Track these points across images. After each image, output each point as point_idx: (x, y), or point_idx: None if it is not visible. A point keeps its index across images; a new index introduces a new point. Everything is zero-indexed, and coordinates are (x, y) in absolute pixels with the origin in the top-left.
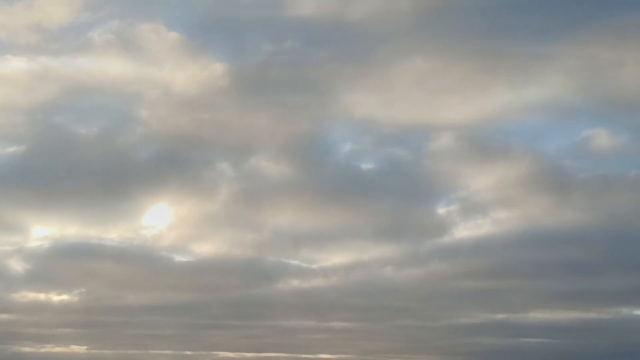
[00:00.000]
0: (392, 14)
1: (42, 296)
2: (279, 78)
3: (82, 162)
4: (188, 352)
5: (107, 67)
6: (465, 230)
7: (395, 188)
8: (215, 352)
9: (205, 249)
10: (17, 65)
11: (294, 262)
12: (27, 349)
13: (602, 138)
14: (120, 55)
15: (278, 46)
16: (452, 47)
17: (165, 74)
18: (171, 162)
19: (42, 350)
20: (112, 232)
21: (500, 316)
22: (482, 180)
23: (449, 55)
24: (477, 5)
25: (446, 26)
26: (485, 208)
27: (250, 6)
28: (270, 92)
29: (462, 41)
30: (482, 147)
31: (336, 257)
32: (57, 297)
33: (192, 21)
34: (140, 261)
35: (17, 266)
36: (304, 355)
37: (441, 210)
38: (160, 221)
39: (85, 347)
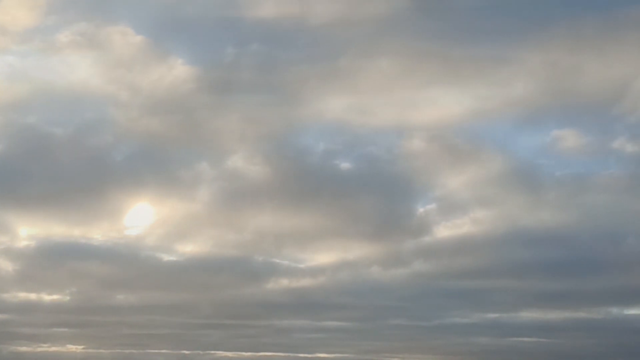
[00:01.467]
0: (356, 18)
1: (32, 296)
2: (248, 80)
3: (60, 162)
4: (185, 352)
5: (76, 68)
6: (445, 230)
7: (373, 188)
8: (213, 352)
9: (191, 248)
10: None
11: (282, 261)
12: (24, 349)
13: (571, 138)
14: (88, 57)
15: (244, 48)
16: (418, 50)
17: (134, 75)
18: (149, 162)
19: (39, 349)
20: (96, 232)
21: (492, 316)
22: (457, 179)
23: (416, 58)
24: (442, 9)
25: (412, 29)
26: (463, 207)
27: (213, 8)
28: (239, 93)
29: (429, 44)
30: (455, 148)
31: (321, 257)
32: (48, 297)
33: (156, 23)
34: (129, 261)
35: (5, 266)
36: (301, 355)
37: (420, 210)
38: (143, 221)
39: (81, 347)
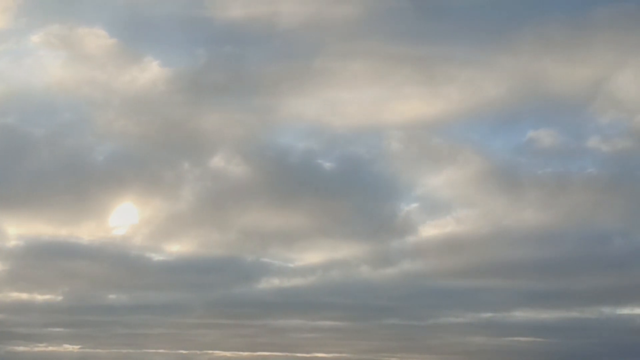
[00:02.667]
0: (329, 19)
1: (25, 296)
2: (223, 81)
3: (41, 163)
4: (183, 351)
5: (50, 69)
6: (431, 229)
7: (356, 187)
8: (210, 351)
9: (180, 248)
10: None
11: (272, 261)
12: (21, 348)
13: (547, 138)
14: (62, 58)
15: (217, 49)
16: (392, 51)
17: (109, 76)
18: (130, 162)
19: (36, 349)
20: (83, 232)
21: (486, 315)
22: (439, 179)
23: (390, 59)
24: (415, 10)
25: (385, 31)
26: (446, 207)
27: (185, 10)
28: (215, 94)
29: (402, 45)
30: (434, 147)
31: (310, 256)
32: (41, 297)
33: (129, 25)
34: (119, 260)
35: None
36: (299, 354)
37: (404, 210)
38: (130, 220)
39: (78, 347)
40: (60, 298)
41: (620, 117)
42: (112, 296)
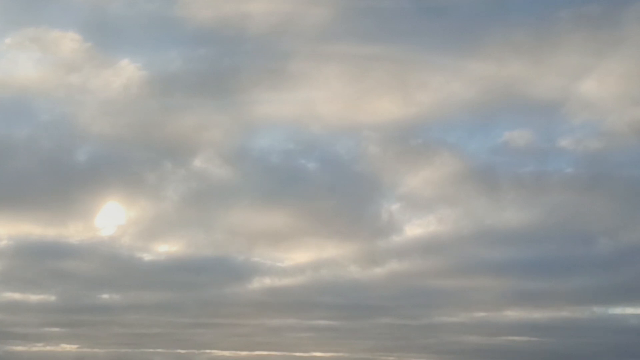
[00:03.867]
0: (300, 21)
1: (17, 296)
2: (200, 81)
3: (25, 164)
4: (181, 351)
5: (24, 72)
6: (414, 229)
7: (338, 187)
8: (209, 351)
9: (170, 248)
10: None
11: (262, 260)
12: (19, 348)
13: (522, 139)
14: (36, 60)
15: (193, 51)
16: (366, 53)
17: (85, 79)
18: (114, 163)
19: (34, 349)
20: (72, 232)
21: (479, 315)
22: (419, 179)
23: (365, 61)
24: (387, 12)
25: (360, 33)
26: (428, 206)
27: (159, 12)
28: (193, 95)
29: (377, 48)
30: (412, 148)
31: (298, 256)
32: (34, 297)
33: (103, 28)
34: (110, 260)
35: None
36: (297, 354)
37: (387, 209)
38: (118, 221)
39: (76, 346)
40: (53, 298)
41: (592, 118)
42: (105, 296)
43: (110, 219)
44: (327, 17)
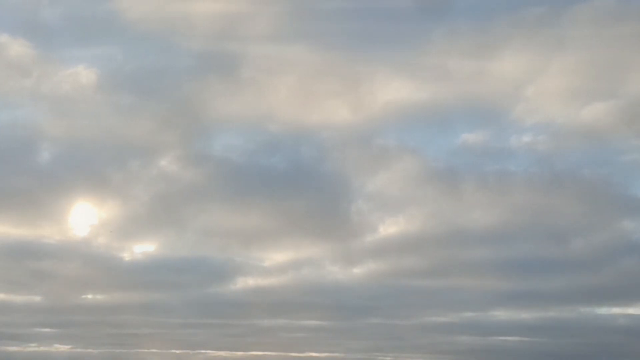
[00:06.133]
0: (250, 19)
1: (1, 296)
2: (154, 85)
3: None
4: (175, 351)
5: None
6: (389, 228)
7: (305, 188)
8: (204, 351)
9: (145, 248)
10: None
11: (245, 260)
12: (13, 349)
13: (480, 140)
14: None
15: (143, 54)
16: (317, 55)
17: (37, 82)
18: (78, 164)
19: (28, 349)
20: (52, 233)
21: (467, 315)
22: (384, 180)
23: (317, 63)
24: (344, 13)
25: (312, 34)
26: (396, 206)
27: (104, 16)
28: (148, 98)
29: (327, 50)
30: (372, 149)
31: (278, 255)
32: (18, 297)
33: (51, 31)
34: (90, 260)
35: None
36: (293, 354)
37: (357, 209)
38: (89, 221)
39: (69, 346)
40: (38, 298)
41: (546, 118)
42: (89, 296)
43: (83, 220)
44: (280, 17)
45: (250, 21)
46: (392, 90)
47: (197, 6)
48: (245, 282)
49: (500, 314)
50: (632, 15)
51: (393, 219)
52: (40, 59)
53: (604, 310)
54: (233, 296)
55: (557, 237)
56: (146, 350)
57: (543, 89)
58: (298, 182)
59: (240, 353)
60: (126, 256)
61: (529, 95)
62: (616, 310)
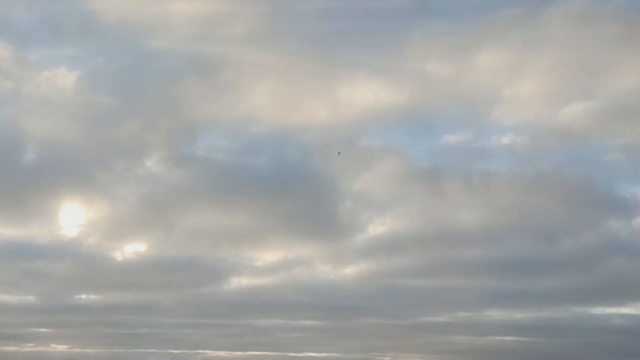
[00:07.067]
0: (230, 22)
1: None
2: (135, 87)
3: None
4: (173, 351)
5: None
6: (377, 228)
7: (293, 188)
8: (202, 351)
9: (137, 248)
10: None
11: (237, 260)
12: (11, 348)
13: (461, 140)
14: None
15: (123, 56)
16: (297, 57)
17: (19, 85)
18: (67, 165)
19: (25, 349)
20: (38, 234)
21: (462, 315)
22: (370, 181)
23: (297, 65)
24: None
25: (291, 36)
26: (384, 206)
27: (83, 19)
28: (130, 100)
29: (307, 51)
30: (356, 149)
31: (268, 256)
32: (12, 297)
33: (23, 33)
34: (83, 260)
35: None
36: (291, 354)
37: (343, 209)
38: (78, 221)
39: (66, 346)
40: (32, 298)
41: (525, 119)
42: (82, 296)
43: (72, 220)
44: (261, 16)
45: (230, 23)
46: (372, 92)
47: (175, 8)
48: (239, 282)
49: (495, 314)
50: (608, 16)
51: (382, 218)
52: (20, 61)
53: (598, 310)
54: (228, 296)
55: (546, 236)
56: (144, 350)
57: (522, 90)
58: (285, 182)
59: (238, 353)
60: (118, 256)
61: (508, 96)
62: (610, 310)
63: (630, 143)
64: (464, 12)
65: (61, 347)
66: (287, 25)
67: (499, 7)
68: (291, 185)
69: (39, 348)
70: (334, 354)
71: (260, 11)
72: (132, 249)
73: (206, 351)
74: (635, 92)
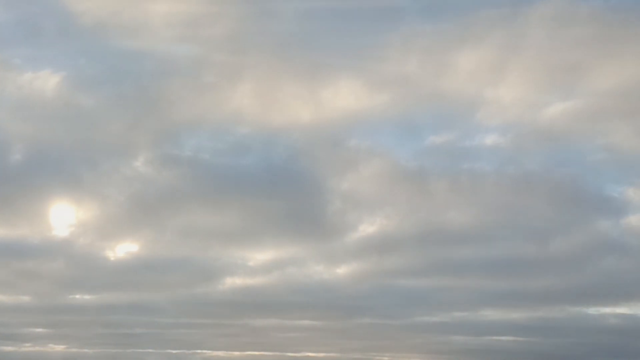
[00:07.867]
0: (212, 21)
1: None
2: (119, 89)
3: None
4: (171, 351)
5: None
6: (368, 228)
7: (283, 187)
8: (200, 351)
9: (129, 248)
10: None
11: (231, 260)
12: (9, 348)
13: (447, 141)
14: None
15: (107, 57)
16: (281, 56)
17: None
18: (54, 166)
19: (23, 349)
20: (29, 233)
21: (458, 314)
22: (358, 181)
23: (280, 64)
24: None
25: (274, 35)
26: (374, 206)
27: (54, 17)
28: (114, 102)
29: (290, 50)
30: (344, 150)
31: (261, 256)
32: (7, 298)
33: (12, 36)
34: (77, 260)
35: None
36: (289, 354)
37: (333, 209)
38: (71, 221)
39: (63, 346)
40: (27, 298)
41: (508, 119)
42: (77, 296)
43: (63, 220)
44: (243, 15)
45: (212, 24)
46: (354, 93)
47: (156, 9)
48: (233, 282)
49: (491, 314)
50: (589, 15)
51: (372, 218)
52: (1, 63)
53: (593, 310)
54: (223, 296)
55: (537, 236)
56: (142, 350)
57: (504, 89)
58: (275, 182)
59: (237, 353)
60: (110, 256)
61: (491, 96)
62: (606, 310)
63: (616, 142)
64: (445, 13)
65: (59, 347)
66: (269, 25)
67: (479, 7)
68: (281, 185)
69: (37, 348)
70: (332, 354)
71: (242, 12)
72: (124, 249)
73: (204, 351)
74: (618, 92)
